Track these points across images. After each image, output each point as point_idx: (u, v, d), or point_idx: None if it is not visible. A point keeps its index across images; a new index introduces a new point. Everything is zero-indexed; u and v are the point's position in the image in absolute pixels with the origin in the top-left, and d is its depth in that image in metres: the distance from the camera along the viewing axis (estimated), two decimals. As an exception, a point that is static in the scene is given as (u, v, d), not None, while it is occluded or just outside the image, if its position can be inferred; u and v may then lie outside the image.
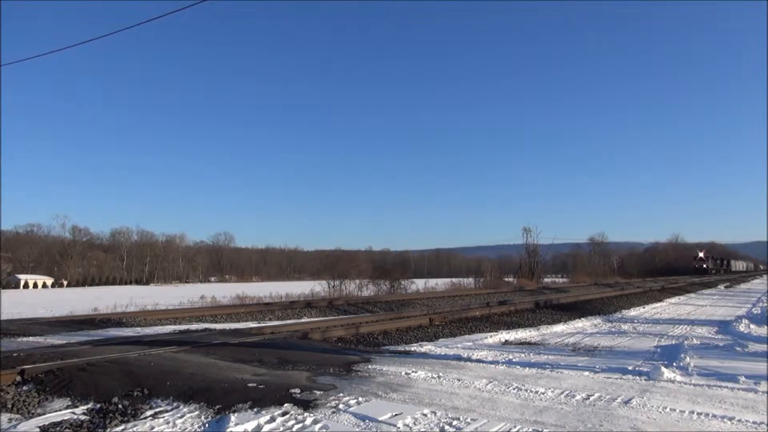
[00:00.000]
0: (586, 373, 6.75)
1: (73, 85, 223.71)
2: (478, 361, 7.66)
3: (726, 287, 39.83)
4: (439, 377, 6.26)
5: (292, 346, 8.82)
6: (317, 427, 4.32)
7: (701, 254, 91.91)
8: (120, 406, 5.05)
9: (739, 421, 4.49)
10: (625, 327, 13.42)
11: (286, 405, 4.87)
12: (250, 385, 5.60)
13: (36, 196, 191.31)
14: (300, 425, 4.36)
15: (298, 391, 5.36)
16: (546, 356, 8.43)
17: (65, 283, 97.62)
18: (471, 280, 47.08)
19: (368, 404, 4.96)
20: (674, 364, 7.50)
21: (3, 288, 76.04)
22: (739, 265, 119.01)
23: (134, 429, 4.45)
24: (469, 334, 11.88)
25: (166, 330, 11.99)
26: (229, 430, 4.30)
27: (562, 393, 5.47)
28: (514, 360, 7.87)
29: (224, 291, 45.59)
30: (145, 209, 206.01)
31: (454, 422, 4.41)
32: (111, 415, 4.81)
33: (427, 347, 9.34)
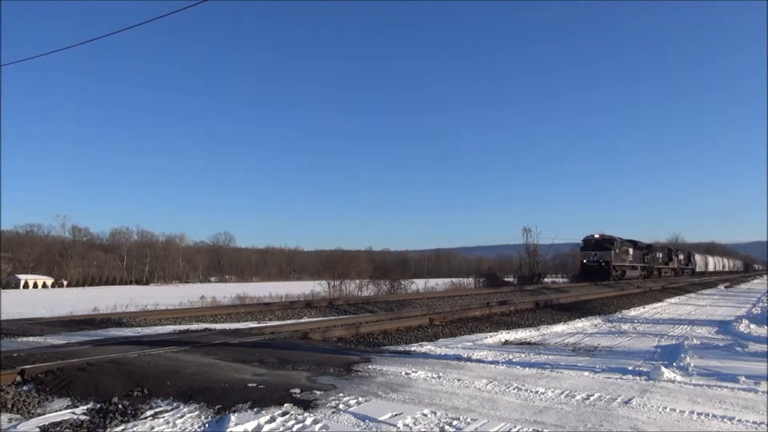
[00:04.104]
0: (586, 373, 6.75)
1: (73, 85, 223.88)
2: (478, 361, 7.65)
3: (726, 287, 39.87)
4: (439, 377, 6.26)
5: (292, 346, 8.82)
6: (317, 427, 4.32)
7: (596, 235, 44.28)
8: (120, 406, 5.05)
9: (739, 421, 4.49)
10: (625, 327, 13.41)
11: (286, 405, 4.87)
12: (250, 385, 5.60)
13: (36, 196, 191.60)
14: (300, 425, 4.36)
15: (298, 391, 5.35)
16: (546, 356, 8.43)
17: (65, 283, 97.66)
18: (471, 280, 47.02)
19: (368, 404, 4.96)
20: (674, 364, 7.49)
21: (3, 288, 76.04)
22: (711, 263, 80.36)
23: (134, 429, 4.45)
24: (469, 334, 11.87)
25: (166, 330, 11.98)
26: (229, 430, 4.30)
27: (562, 393, 5.47)
28: (514, 360, 7.86)
29: (224, 291, 45.62)
30: (145, 209, 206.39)
31: (454, 422, 4.41)
32: (111, 415, 4.81)
33: (427, 347, 9.33)
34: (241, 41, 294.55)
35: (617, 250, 44.06)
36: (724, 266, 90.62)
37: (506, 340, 10.75)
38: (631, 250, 47.32)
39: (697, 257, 74.26)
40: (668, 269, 58.99)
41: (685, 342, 10.29)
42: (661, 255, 57.25)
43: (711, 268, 79.48)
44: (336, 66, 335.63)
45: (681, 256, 65.65)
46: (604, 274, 41.76)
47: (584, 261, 44.31)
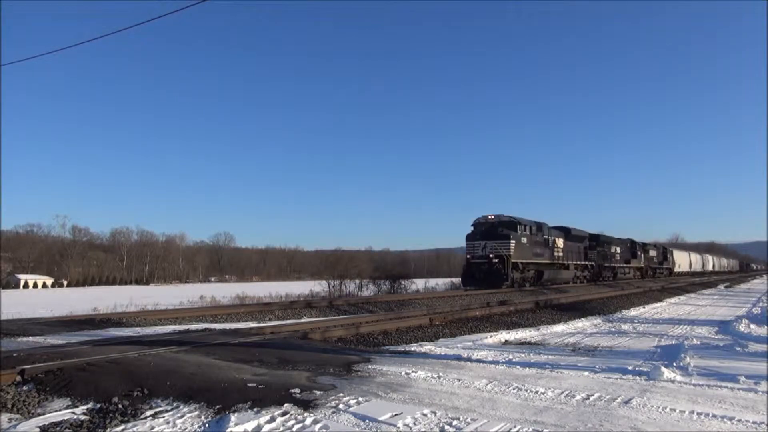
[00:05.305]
0: (586, 373, 6.75)
1: (72, 85, 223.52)
2: (478, 361, 7.65)
3: (726, 287, 39.90)
4: (439, 377, 6.26)
5: (292, 346, 8.82)
6: (317, 427, 4.32)
7: (490, 216, 28.70)
8: (120, 406, 5.05)
9: (739, 421, 4.49)
10: (625, 327, 13.42)
11: (286, 405, 4.87)
12: (250, 385, 5.60)
13: (36, 196, 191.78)
14: (300, 425, 4.36)
15: (298, 391, 5.36)
16: (546, 356, 8.43)
17: (65, 283, 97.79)
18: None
19: (368, 404, 4.96)
20: (674, 364, 7.50)
21: (3, 288, 76.09)
22: (695, 262, 68.59)
23: (134, 429, 4.45)
24: (469, 334, 11.88)
25: (166, 330, 11.98)
26: (229, 430, 4.30)
27: (562, 393, 5.47)
28: (514, 360, 7.86)
29: (224, 291, 45.69)
30: (145, 209, 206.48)
31: (454, 422, 4.41)
32: (111, 415, 4.81)
33: (427, 347, 9.33)
34: (241, 40, 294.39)
35: (523, 239, 28.92)
36: (714, 266, 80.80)
37: (506, 340, 10.75)
38: (559, 241, 33.07)
39: (676, 254, 61.34)
40: (629, 269, 45.61)
41: (685, 342, 10.29)
42: (618, 250, 43.53)
43: (696, 267, 67.84)
44: (336, 65, 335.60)
45: (652, 253, 52.69)
46: (494, 278, 27.25)
47: (468, 257, 29.04)
